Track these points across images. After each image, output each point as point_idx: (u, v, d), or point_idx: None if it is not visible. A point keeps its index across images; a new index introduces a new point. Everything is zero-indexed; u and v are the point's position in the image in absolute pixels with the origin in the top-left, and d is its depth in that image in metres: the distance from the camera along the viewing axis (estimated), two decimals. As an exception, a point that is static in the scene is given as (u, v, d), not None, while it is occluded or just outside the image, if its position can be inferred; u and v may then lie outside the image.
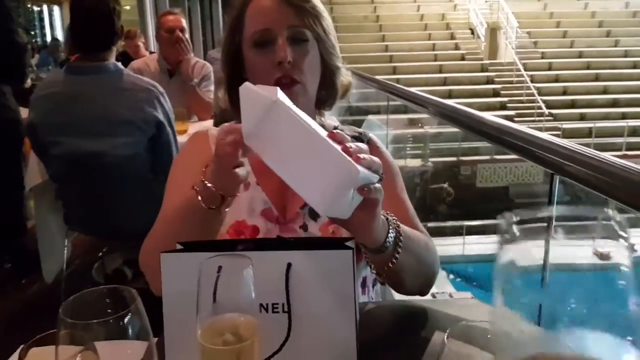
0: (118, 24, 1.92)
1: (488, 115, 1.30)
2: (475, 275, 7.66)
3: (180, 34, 2.92)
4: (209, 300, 0.51)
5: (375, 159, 0.67)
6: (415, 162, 7.48)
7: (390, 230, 0.75)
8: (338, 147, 0.63)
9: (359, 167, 0.62)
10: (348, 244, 0.68)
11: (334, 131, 0.66)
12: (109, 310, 0.49)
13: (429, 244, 0.91)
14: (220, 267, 0.53)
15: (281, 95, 0.67)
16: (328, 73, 0.99)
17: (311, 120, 0.66)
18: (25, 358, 0.49)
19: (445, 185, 8.88)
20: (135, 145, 1.92)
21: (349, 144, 0.64)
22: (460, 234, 8.03)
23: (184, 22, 3.01)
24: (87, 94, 1.87)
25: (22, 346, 0.50)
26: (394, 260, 0.76)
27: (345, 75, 1.03)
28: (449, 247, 7.58)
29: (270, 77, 0.90)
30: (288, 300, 0.66)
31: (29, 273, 2.65)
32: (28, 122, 1.94)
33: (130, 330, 0.49)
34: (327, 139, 0.64)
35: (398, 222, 0.78)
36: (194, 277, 0.65)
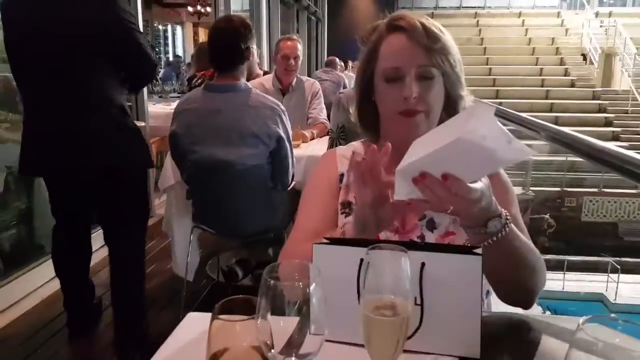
0: (244, 46, 2.12)
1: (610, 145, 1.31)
2: (574, 314, 7.19)
3: (293, 62, 3.15)
4: (372, 282, 0.64)
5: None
6: (516, 190, 7.23)
7: (495, 220, 0.83)
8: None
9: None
10: (477, 251, 0.77)
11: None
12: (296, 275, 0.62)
13: (536, 252, 0.95)
14: (380, 256, 0.65)
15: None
16: (451, 102, 1.07)
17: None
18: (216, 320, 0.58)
19: (547, 216, 8.45)
20: (259, 157, 2.12)
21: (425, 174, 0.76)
22: (561, 269, 7.60)
23: (300, 47, 3.22)
24: (221, 109, 2.10)
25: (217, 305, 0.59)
26: (490, 241, 0.84)
27: (468, 102, 1.10)
28: (547, 281, 7.20)
29: (396, 108, 1.02)
30: (421, 295, 0.77)
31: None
32: (171, 132, 2.19)
33: (314, 299, 0.60)
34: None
35: (509, 220, 0.85)
36: (341, 264, 0.79)
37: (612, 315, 0.55)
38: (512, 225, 0.86)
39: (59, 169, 2.03)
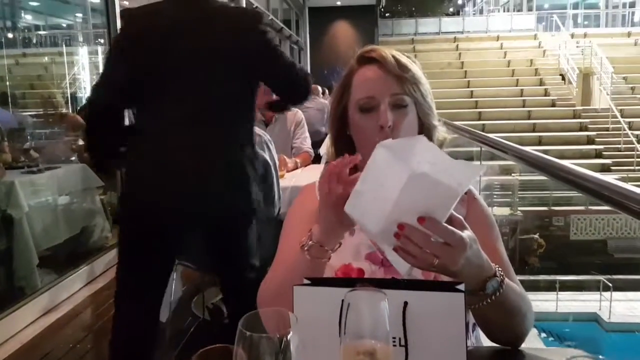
0: None
1: (571, 165, 1.34)
2: (570, 335, 7.16)
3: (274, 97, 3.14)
4: (352, 326, 0.61)
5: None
6: (504, 211, 7.27)
7: (492, 280, 0.82)
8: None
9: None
10: (459, 287, 0.75)
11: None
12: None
13: (525, 297, 0.95)
14: (359, 299, 0.63)
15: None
16: (425, 131, 1.08)
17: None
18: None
19: (536, 236, 8.47)
20: None
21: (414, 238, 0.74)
22: (554, 290, 7.57)
23: None
24: None
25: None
26: (485, 303, 0.82)
27: (441, 132, 1.11)
28: (541, 302, 7.15)
29: (372, 138, 1.01)
30: (405, 335, 0.74)
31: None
32: None
33: (292, 348, 0.58)
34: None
35: (503, 276, 0.83)
36: (322, 306, 0.75)
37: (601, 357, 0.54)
38: (507, 279, 0.85)
39: None
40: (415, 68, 1.07)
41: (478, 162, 2.53)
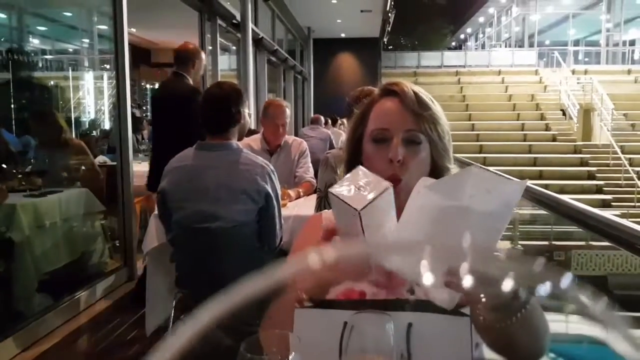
0: (235, 109, 2.20)
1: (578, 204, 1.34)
2: (581, 358, 7.00)
3: (287, 128, 3.21)
4: (356, 347, 0.61)
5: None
6: (504, 244, 7.22)
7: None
8: None
9: None
10: (463, 311, 0.75)
11: None
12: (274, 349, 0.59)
13: (544, 316, 0.92)
14: (364, 321, 0.63)
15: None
16: (437, 171, 1.06)
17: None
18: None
19: (537, 270, 8.38)
20: (247, 213, 2.12)
21: None
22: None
23: (288, 112, 3.28)
24: (213, 166, 2.14)
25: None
26: (521, 312, 0.77)
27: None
28: (549, 322, 7.00)
29: (381, 170, 1.01)
30: (409, 357, 0.73)
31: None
32: (160, 189, 2.19)
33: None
34: None
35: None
36: (325, 329, 0.75)
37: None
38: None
39: None
40: (436, 108, 1.06)
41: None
